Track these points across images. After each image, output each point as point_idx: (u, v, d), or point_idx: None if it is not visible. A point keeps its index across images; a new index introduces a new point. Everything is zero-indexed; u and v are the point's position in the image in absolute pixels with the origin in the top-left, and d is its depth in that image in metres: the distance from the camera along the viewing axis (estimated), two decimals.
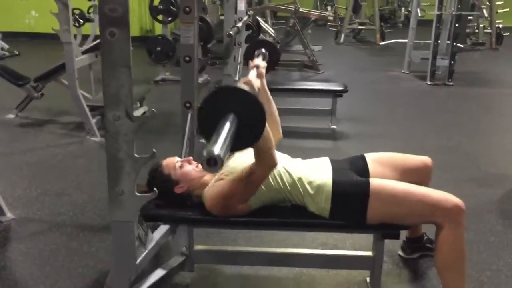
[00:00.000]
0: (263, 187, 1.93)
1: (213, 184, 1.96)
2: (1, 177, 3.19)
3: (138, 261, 1.71)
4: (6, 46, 7.60)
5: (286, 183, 1.94)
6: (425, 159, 2.19)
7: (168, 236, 2.02)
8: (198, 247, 2.17)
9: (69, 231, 2.62)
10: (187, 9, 2.41)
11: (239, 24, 3.96)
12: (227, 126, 1.35)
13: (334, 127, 4.35)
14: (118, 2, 1.39)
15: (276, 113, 2.33)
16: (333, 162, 2.08)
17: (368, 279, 2.19)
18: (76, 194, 3.05)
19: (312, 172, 1.98)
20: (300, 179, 1.94)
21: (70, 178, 3.29)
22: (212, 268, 2.27)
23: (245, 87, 1.79)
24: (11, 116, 4.56)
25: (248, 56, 2.66)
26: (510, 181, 3.36)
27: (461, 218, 1.82)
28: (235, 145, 1.41)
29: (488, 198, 3.07)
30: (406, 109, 5.23)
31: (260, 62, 2.35)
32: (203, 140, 3.80)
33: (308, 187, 1.93)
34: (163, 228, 2.00)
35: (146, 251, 1.79)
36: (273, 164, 1.83)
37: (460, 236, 1.83)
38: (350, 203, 1.89)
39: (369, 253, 2.12)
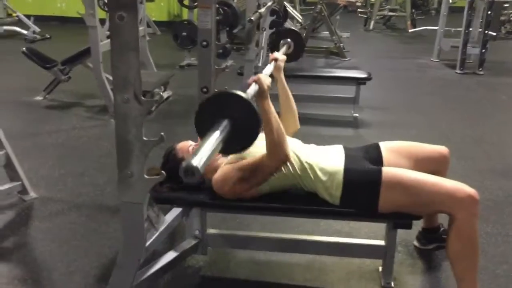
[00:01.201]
0: None
1: (222, 167, 1.97)
2: (28, 157, 3.27)
3: (148, 243, 1.74)
4: (37, 29, 7.74)
5: (297, 169, 1.94)
6: (441, 149, 2.15)
7: (180, 219, 2.05)
8: (211, 230, 2.20)
9: (88, 212, 2.68)
10: None
11: (262, 10, 3.92)
12: (215, 134, 1.37)
13: (357, 115, 4.30)
14: None
15: (294, 105, 2.34)
16: (346, 150, 2.07)
17: (380, 269, 2.17)
18: (97, 176, 3.11)
19: (323, 158, 1.97)
20: (310, 165, 1.94)
21: (92, 159, 3.37)
22: (224, 252, 2.30)
23: (254, 87, 1.80)
24: (39, 98, 4.67)
25: (273, 45, 2.66)
26: None
27: (475, 208, 1.79)
28: (226, 148, 1.44)
29: (508, 190, 3.00)
30: (433, 98, 5.12)
31: (279, 55, 2.37)
32: None
33: (319, 173, 1.92)
34: (175, 211, 2.03)
35: (157, 233, 1.82)
36: (285, 158, 1.84)
37: (473, 227, 1.80)
38: (362, 191, 1.88)
39: (381, 242, 2.10)
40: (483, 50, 6.03)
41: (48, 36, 7.75)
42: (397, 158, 2.08)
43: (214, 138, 1.34)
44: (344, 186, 1.89)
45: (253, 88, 1.79)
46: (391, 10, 9.95)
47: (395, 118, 4.40)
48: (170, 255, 2.04)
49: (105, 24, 4.02)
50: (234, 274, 2.19)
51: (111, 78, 4.13)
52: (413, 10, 9.55)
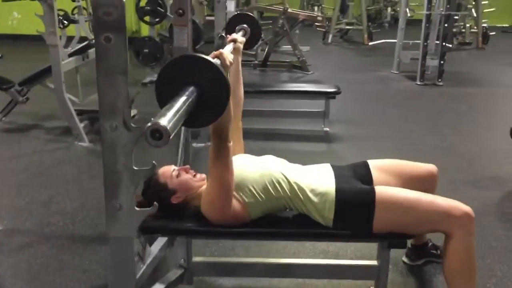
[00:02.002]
0: (262, 196, 1.85)
1: (209, 191, 1.88)
2: None
3: (137, 276, 1.62)
4: None
5: (287, 191, 1.87)
6: (430, 167, 2.12)
7: (166, 248, 1.93)
8: (196, 258, 2.08)
9: (59, 243, 2.51)
10: (180, 11, 2.34)
11: None
12: (182, 99, 1.23)
13: (327, 129, 4.29)
14: (113, 5, 1.31)
15: (242, 96, 2.22)
16: (335, 168, 2.01)
17: None
18: (66, 203, 2.94)
19: (313, 179, 1.91)
20: (300, 186, 1.87)
21: (58, 185, 3.18)
22: (211, 281, 2.19)
23: (214, 60, 1.70)
24: None
25: (229, 30, 2.57)
26: (506, 182, 3.33)
27: (471, 226, 1.77)
28: (191, 121, 1.32)
29: (486, 201, 3.03)
30: (398, 109, 5.19)
31: (238, 36, 2.26)
32: (196, 144, 3.74)
33: (310, 194, 1.86)
34: (160, 241, 1.92)
35: (145, 266, 1.71)
36: (227, 149, 1.74)
37: (470, 245, 1.77)
38: (355, 212, 1.83)
39: (374, 262, 2.05)
40: (442, 62, 6.18)
41: (0, 55, 7.41)
42: (387, 176, 2.04)
43: (181, 102, 1.20)
44: (336, 207, 1.83)
45: (228, 48, 1.68)
46: (348, 24, 10.11)
47: (365, 131, 4.41)
48: None
49: (61, 42, 3.85)
50: None
51: (74, 98, 3.97)
52: (369, 23, 9.75)
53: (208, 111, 1.34)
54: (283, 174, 1.88)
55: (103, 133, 1.38)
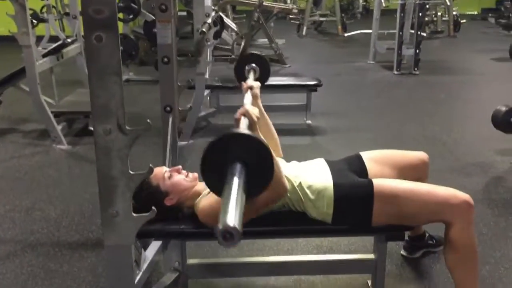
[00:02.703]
0: None
1: (205, 194, 1.83)
2: None
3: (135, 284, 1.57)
4: None
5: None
6: (421, 155, 2.13)
7: (161, 252, 1.88)
8: (191, 261, 2.03)
9: (45, 251, 2.43)
10: (163, 6, 2.27)
11: (209, 21, 3.80)
12: (235, 182, 1.21)
13: (310, 122, 4.27)
14: (104, 2, 1.24)
15: (275, 134, 2.26)
16: (329, 163, 1.99)
17: (369, 283, 2.11)
18: (49, 209, 2.84)
19: (310, 175, 1.88)
20: (299, 184, 1.84)
21: (39, 191, 3.08)
22: (206, 283, 2.14)
23: (245, 121, 1.69)
24: None
25: (238, 73, 2.55)
26: (489, 168, 3.36)
27: (471, 214, 1.77)
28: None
29: (472, 188, 3.05)
30: (378, 100, 5.21)
31: (253, 82, 2.27)
32: (182, 142, 3.67)
33: (308, 191, 1.83)
34: (155, 245, 1.86)
35: (141, 272, 1.65)
36: (284, 192, 1.74)
37: (470, 233, 1.77)
38: (354, 206, 1.80)
39: (370, 255, 2.04)
40: (417, 51, 6.22)
41: None
42: (381, 167, 2.03)
43: (236, 187, 1.19)
44: (335, 203, 1.80)
45: (244, 123, 1.67)
46: (321, 16, 10.11)
47: (347, 123, 4.41)
48: None
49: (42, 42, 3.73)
50: None
51: (49, 100, 3.85)
52: (343, 15, 9.77)
53: (255, 184, 1.34)
54: None
55: (97, 137, 1.32)
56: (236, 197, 1.15)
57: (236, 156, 1.32)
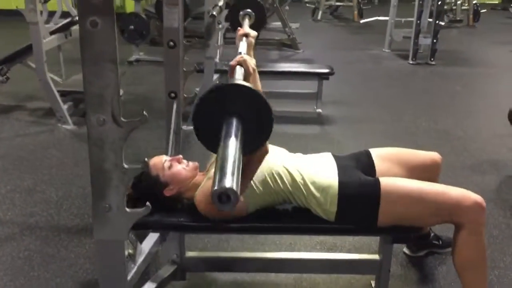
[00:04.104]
0: (260, 189, 1.75)
1: (203, 185, 1.76)
2: None
3: (128, 278, 1.51)
4: None
5: (287, 184, 1.76)
6: (434, 155, 2.03)
7: (159, 245, 1.82)
8: (189, 253, 1.98)
9: (44, 234, 2.39)
10: None
11: (220, 3, 3.70)
12: (232, 141, 1.14)
13: (320, 110, 4.17)
14: None
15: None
16: (336, 158, 1.90)
17: (373, 283, 2.04)
18: (50, 191, 2.80)
19: (315, 171, 1.80)
20: (302, 179, 1.76)
21: (42, 171, 3.04)
22: (205, 276, 2.09)
23: (240, 71, 1.58)
24: None
25: (232, 18, 2.40)
26: (504, 167, 3.26)
27: (482, 216, 1.69)
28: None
29: (485, 187, 2.96)
30: (391, 90, 5.08)
31: (249, 30, 2.11)
32: (185, 127, 3.59)
33: (312, 188, 1.75)
34: (152, 237, 1.81)
35: (136, 266, 1.59)
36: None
37: (481, 236, 1.70)
38: (359, 205, 1.73)
39: (375, 256, 1.97)
40: (435, 40, 6.06)
41: None
42: (390, 166, 1.94)
43: (233, 145, 1.12)
44: (339, 201, 1.72)
45: (239, 73, 1.57)
46: (338, 0, 9.91)
47: (358, 113, 4.31)
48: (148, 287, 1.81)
49: (42, 17, 3.64)
50: None
51: (56, 78, 3.79)
52: (359, 0, 9.56)
53: (252, 140, 1.28)
54: (284, 167, 1.77)
55: (89, 128, 1.25)
56: (233, 156, 1.07)
57: (232, 109, 1.24)
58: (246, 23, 2.30)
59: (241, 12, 2.38)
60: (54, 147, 3.42)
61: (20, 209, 2.60)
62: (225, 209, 0.99)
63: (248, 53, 1.95)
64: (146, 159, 1.30)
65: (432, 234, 2.23)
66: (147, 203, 1.35)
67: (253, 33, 2.08)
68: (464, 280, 1.75)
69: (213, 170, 1.74)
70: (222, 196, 0.97)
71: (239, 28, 2.14)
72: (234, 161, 1.06)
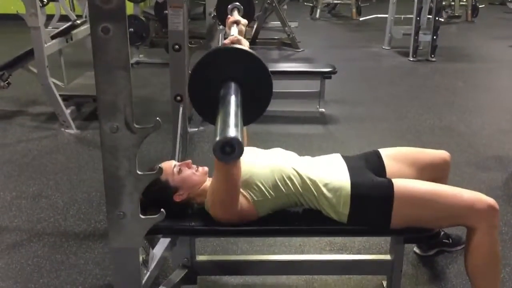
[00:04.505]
0: (272, 194, 1.73)
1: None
2: None
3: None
4: None
5: (298, 187, 1.75)
6: (443, 154, 2.02)
7: (169, 249, 1.81)
8: (200, 257, 1.97)
9: (52, 241, 2.38)
10: None
11: None
12: (232, 99, 1.10)
13: (323, 110, 4.17)
14: None
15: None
16: (346, 159, 1.89)
17: (384, 284, 2.04)
18: (56, 196, 2.79)
19: (326, 173, 1.79)
20: (313, 181, 1.75)
21: (47, 177, 3.02)
22: (216, 280, 2.08)
23: (234, 30, 1.56)
24: None
25: (221, 12, 2.37)
26: (509, 163, 3.25)
27: (495, 219, 1.67)
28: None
29: (492, 183, 2.95)
30: (393, 87, 5.08)
31: (239, 17, 2.08)
32: (192, 129, 3.58)
33: (324, 189, 1.74)
34: (163, 242, 1.80)
35: (149, 272, 1.59)
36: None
37: (494, 239, 1.68)
38: (372, 207, 1.72)
39: (387, 256, 1.96)
40: (435, 37, 6.05)
41: None
42: (400, 166, 1.93)
43: (234, 101, 1.09)
44: (352, 202, 1.71)
45: (235, 31, 1.55)
46: None
47: (361, 111, 4.30)
48: None
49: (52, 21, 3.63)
50: None
51: (58, 83, 3.78)
52: None
53: (252, 107, 1.23)
54: (294, 170, 1.76)
55: (103, 135, 1.24)
56: (234, 111, 1.04)
57: (229, 74, 1.21)
58: (236, 14, 2.28)
59: (229, 6, 2.35)
60: (58, 152, 3.40)
61: (27, 216, 2.59)
62: (229, 161, 0.95)
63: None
64: (160, 165, 1.29)
65: (442, 233, 2.22)
66: (162, 209, 1.34)
67: (244, 20, 2.04)
68: (476, 284, 1.73)
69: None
70: (226, 146, 0.94)
71: (229, 16, 2.12)
72: (236, 115, 1.03)
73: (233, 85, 1.19)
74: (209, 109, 1.21)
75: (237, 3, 2.38)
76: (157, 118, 1.23)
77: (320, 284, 2.07)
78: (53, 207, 2.67)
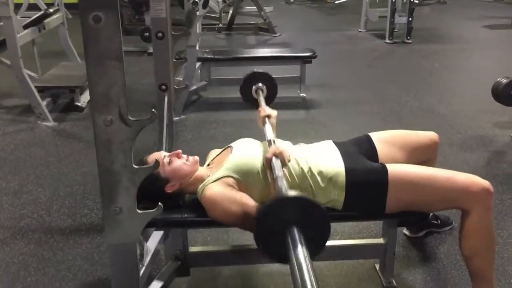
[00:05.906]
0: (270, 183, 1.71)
1: (211, 186, 1.70)
2: None
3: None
4: None
5: (295, 176, 1.73)
6: (432, 135, 2.03)
7: (162, 242, 1.78)
8: (193, 249, 1.95)
9: (36, 237, 2.31)
10: None
11: None
12: (299, 251, 1.20)
13: (304, 95, 4.15)
14: None
15: None
16: (338, 145, 1.88)
17: (377, 267, 2.05)
18: (38, 191, 2.71)
19: (320, 160, 1.77)
20: (309, 169, 1.73)
21: (27, 172, 2.94)
22: (209, 270, 2.06)
23: (278, 163, 1.61)
24: None
25: (245, 93, 2.41)
26: (490, 142, 3.30)
27: (490, 201, 1.69)
28: None
29: (474, 163, 3.00)
30: (372, 70, 5.09)
31: (270, 110, 2.12)
32: (174, 118, 3.52)
33: (318, 178, 1.72)
34: (156, 235, 1.76)
35: (144, 266, 1.55)
36: None
37: (489, 221, 1.70)
38: (367, 193, 1.71)
39: (380, 240, 1.97)
40: (410, 19, 6.09)
41: None
42: (391, 149, 1.93)
43: (303, 257, 1.16)
44: (347, 189, 1.71)
45: (277, 166, 1.60)
46: None
47: (342, 95, 4.30)
48: (155, 286, 1.77)
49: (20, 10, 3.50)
50: None
51: (32, 74, 3.66)
52: None
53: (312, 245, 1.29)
54: (295, 159, 1.75)
55: (96, 129, 1.19)
56: (308, 269, 1.13)
57: (291, 219, 1.28)
58: (262, 99, 2.34)
59: (253, 87, 2.38)
60: (36, 145, 3.31)
61: (8, 212, 2.52)
62: None
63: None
64: (157, 159, 1.24)
65: (431, 214, 2.24)
66: (159, 203, 1.31)
67: (274, 113, 2.10)
68: (472, 267, 1.74)
69: (217, 169, 1.72)
70: None
71: (259, 108, 2.17)
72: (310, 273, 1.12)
73: (295, 231, 1.27)
74: (274, 250, 1.32)
75: (260, 84, 2.43)
76: (153, 110, 1.19)
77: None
78: (36, 203, 2.60)
